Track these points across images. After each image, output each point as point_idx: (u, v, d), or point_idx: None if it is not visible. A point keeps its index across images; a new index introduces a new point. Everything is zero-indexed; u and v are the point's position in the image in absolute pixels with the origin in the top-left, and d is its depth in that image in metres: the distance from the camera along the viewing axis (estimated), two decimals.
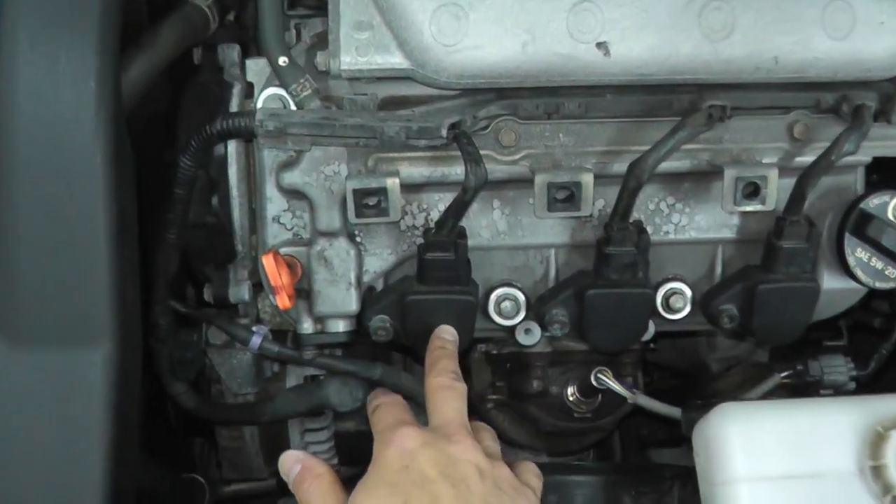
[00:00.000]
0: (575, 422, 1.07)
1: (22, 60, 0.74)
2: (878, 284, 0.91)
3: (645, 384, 1.13)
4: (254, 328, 0.94)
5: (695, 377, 1.21)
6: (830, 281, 0.94)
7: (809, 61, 0.82)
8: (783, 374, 1.06)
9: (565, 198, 0.85)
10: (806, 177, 0.84)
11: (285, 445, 1.05)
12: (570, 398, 1.06)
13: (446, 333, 0.85)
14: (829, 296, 0.95)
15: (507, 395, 1.10)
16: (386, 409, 0.78)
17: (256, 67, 0.90)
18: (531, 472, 0.79)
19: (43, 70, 0.74)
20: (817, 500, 0.76)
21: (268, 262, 0.82)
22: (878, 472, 0.75)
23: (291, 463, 0.76)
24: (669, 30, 0.79)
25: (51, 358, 0.73)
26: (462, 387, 0.79)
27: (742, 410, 0.79)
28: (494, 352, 1.09)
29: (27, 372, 0.73)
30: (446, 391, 0.78)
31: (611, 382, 0.97)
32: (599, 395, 1.06)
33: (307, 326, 0.91)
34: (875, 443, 0.76)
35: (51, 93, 0.74)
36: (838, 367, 1.05)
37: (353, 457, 1.07)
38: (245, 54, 0.93)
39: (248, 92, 0.91)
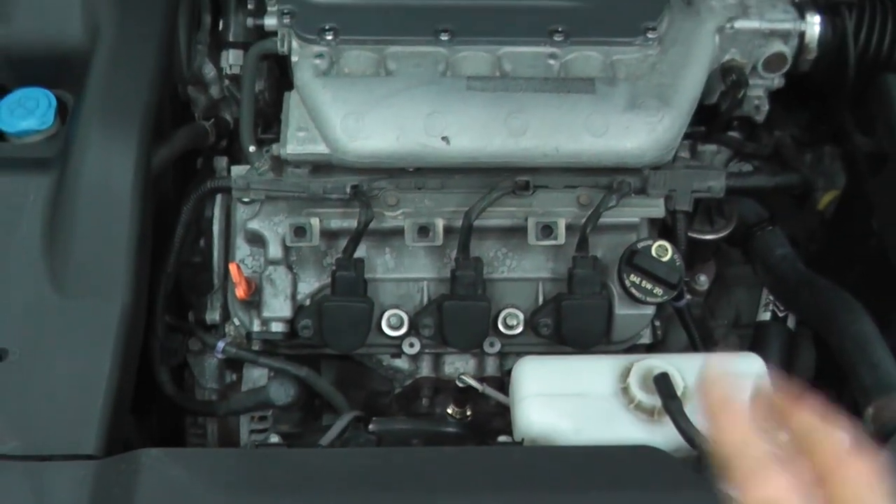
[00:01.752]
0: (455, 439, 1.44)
1: (91, 141, 1.24)
2: (650, 300, 1.31)
3: None
4: (220, 339, 1.36)
5: None
6: (621, 308, 1.35)
7: (579, 151, 1.29)
8: None
9: (425, 234, 1.30)
10: (586, 223, 1.29)
11: (237, 443, 1.42)
12: (449, 412, 1.44)
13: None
14: (625, 319, 1.35)
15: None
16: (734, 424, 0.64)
17: (238, 169, 1.39)
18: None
19: (106, 147, 1.24)
20: (585, 409, 1.11)
21: (233, 267, 1.27)
22: (625, 390, 1.13)
23: None
24: (486, 129, 1.28)
25: (86, 304, 1.15)
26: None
27: (536, 358, 1.18)
28: (398, 390, 1.47)
29: (68, 315, 1.14)
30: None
31: (469, 380, 1.36)
32: (468, 410, 1.43)
33: (256, 326, 1.34)
34: (623, 373, 1.14)
35: (109, 161, 1.23)
36: None
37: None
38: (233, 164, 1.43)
39: None
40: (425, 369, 1.43)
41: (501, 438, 1.15)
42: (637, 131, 1.30)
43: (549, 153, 1.30)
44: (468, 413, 1.44)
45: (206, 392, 1.39)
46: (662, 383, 1.09)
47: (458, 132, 1.28)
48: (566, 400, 1.13)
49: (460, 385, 1.38)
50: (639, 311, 1.35)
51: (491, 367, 1.43)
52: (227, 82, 1.47)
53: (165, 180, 1.35)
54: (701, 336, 1.48)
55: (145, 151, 1.25)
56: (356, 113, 1.28)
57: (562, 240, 1.31)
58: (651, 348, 1.48)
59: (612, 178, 1.33)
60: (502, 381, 1.45)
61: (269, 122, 1.48)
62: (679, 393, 1.10)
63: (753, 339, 1.54)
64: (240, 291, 1.26)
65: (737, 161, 1.58)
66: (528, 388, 1.14)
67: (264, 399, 1.37)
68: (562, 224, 1.31)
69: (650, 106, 1.30)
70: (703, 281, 1.54)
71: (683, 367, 1.15)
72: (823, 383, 1.50)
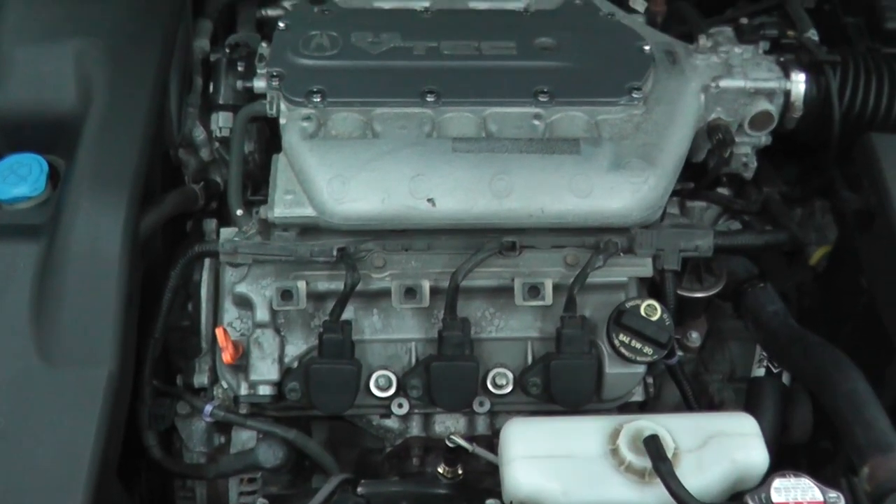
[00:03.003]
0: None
1: (81, 207, 1.25)
2: (640, 359, 1.30)
3: None
4: (208, 403, 1.36)
5: None
6: (612, 367, 1.34)
7: (565, 212, 1.30)
8: None
9: (412, 296, 1.30)
10: (573, 283, 1.29)
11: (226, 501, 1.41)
12: (441, 472, 1.43)
13: None
14: (615, 378, 1.35)
15: (399, 477, 1.46)
16: None
17: (227, 232, 1.40)
18: None
19: (96, 212, 1.24)
20: (572, 471, 1.09)
21: (219, 332, 1.27)
22: (614, 452, 1.11)
23: None
24: (471, 191, 1.29)
25: (71, 373, 1.15)
26: None
27: (523, 420, 1.17)
28: (389, 448, 1.46)
29: (54, 382, 1.14)
30: None
31: (459, 440, 1.35)
32: (459, 469, 1.41)
33: (244, 390, 1.33)
34: (613, 435, 1.12)
35: (99, 226, 1.24)
36: None
37: None
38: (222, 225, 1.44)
39: None
40: (415, 429, 1.42)
41: (490, 502, 1.13)
42: (622, 192, 1.30)
43: (535, 214, 1.30)
44: (459, 472, 1.42)
45: (195, 455, 1.38)
46: (652, 445, 1.08)
47: (444, 194, 1.29)
48: (555, 462, 1.12)
49: (450, 445, 1.36)
50: (629, 369, 1.34)
51: (481, 426, 1.42)
52: (217, 145, 1.48)
53: (154, 244, 1.36)
54: (695, 391, 1.47)
55: (134, 217, 1.26)
56: (342, 176, 1.29)
57: (549, 300, 1.31)
58: (644, 406, 1.47)
59: (599, 237, 1.34)
60: (492, 441, 1.44)
61: (258, 184, 1.49)
62: (669, 454, 1.09)
63: (748, 395, 1.52)
64: (226, 356, 1.26)
65: (726, 218, 1.59)
66: (516, 450, 1.13)
67: (253, 462, 1.36)
68: (549, 285, 1.31)
69: (635, 166, 1.31)
70: (695, 338, 1.54)
71: (674, 428, 1.14)
72: (821, 437, 1.49)
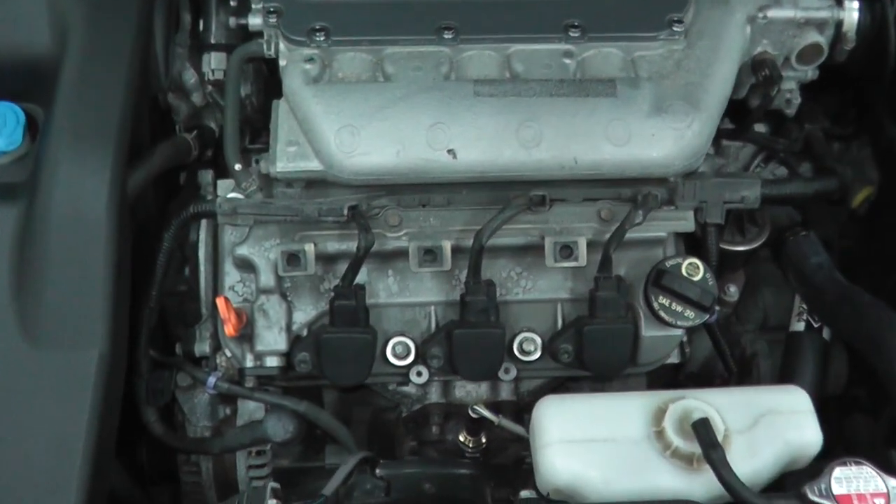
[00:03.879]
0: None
1: (62, 164, 1.12)
2: (680, 323, 1.19)
3: None
4: (211, 373, 1.25)
5: None
6: (648, 330, 1.23)
7: (600, 162, 1.17)
8: None
9: (431, 259, 1.19)
10: (609, 242, 1.18)
11: (234, 479, 1.31)
12: (462, 441, 1.33)
13: None
14: (651, 342, 1.24)
15: (416, 443, 1.37)
16: None
17: (225, 185, 1.27)
18: None
19: (77, 170, 1.11)
20: (614, 456, 1.00)
21: (220, 301, 1.15)
22: (659, 435, 1.01)
23: None
24: (495, 140, 1.16)
25: (59, 356, 1.04)
26: None
27: (558, 398, 1.07)
28: (405, 412, 1.37)
29: (40, 366, 1.04)
30: None
31: (482, 411, 1.25)
32: (483, 437, 1.32)
33: (249, 362, 1.22)
34: (657, 415, 1.02)
35: (81, 185, 1.11)
36: None
37: (289, 490, 1.33)
38: (219, 177, 1.31)
39: None
40: (434, 395, 1.32)
41: (524, 494, 1.04)
42: (663, 139, 1.17)
43: (567, 165, 1.17)
44: (483, 441, 1.33)
45: (199, 429, 1.28)
46: (703, 430, 0.98)
47: (465, 144, 1.16)
48: (594, 446, 1.02)
49: (474, 416, 1.27)
50: (667, 332, 1.23)
51: (505, 391, 1.32)
52: (210, 88, 1.34)
53: (145, 202, 1.23)
54: (727, 342, 1.37)
55: (120, 174, 1.13)
56: (352, 126, 1.16)
57: (583, 261, 1.19)
58: (679, 368, 1.37)
59: (637, 189, 1.21)
60: (518, 406, 1.35)
61: (258, 130, 1.36)
62: (720, 438, 0.99)
63: (787, 351, 1.43)
64: (229, 328, 1.15)
65: (762, 158, 1.46)
66: (551, 434, 1.03)
67: (261, 435, 1.26)
68: (582, 244, 1.19)
69: (677, 110, 1.18)
70: (734, 292, 1.43)
71: (722, 406, 1.03)
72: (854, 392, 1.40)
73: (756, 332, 1.49)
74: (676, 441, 1.00)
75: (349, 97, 1.17)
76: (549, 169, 1.17)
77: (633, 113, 1.17)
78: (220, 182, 1.28)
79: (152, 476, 1.32)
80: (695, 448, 1.00)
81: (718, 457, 0.96)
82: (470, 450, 1.33)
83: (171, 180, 1.34)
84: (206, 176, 1.32)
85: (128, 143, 1.16)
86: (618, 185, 1.22)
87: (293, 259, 1.17)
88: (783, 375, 1.41)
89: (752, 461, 1.01)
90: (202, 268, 1.26)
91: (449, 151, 1.16)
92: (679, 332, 1.24)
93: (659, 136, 1.17)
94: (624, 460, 1.01)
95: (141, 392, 1.21)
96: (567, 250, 1.19)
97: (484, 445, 1.33)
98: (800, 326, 1.42)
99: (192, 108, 1.34)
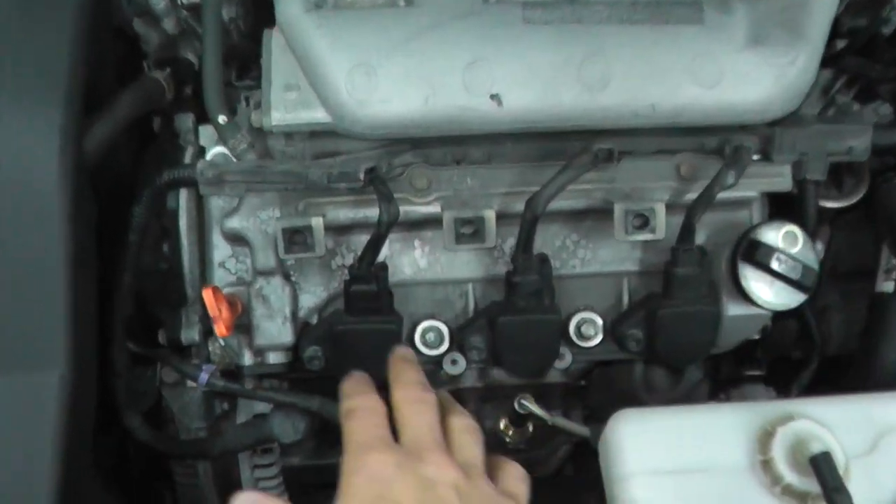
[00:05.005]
0: (509, 454, 1.14)
1: (1, 128, 0.87)
2: (774, 306, 0.98)
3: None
4: (203, 366, 1.03)
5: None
6: (733, 308, 1.01)
7: (683, 108, 0.93)
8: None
9: (471, 232, 0.95)
10: (692, 209, 0.94)
11: (236, 481, 1.12)
12: (503, 429, 1.13)
13: (405, 350, 0.83)
14: (734, 322, 1.02)
15: None
16: (362, 419, 0.72)
17: (208, 133, 1.02)
18: (515, 477, 0.76)
19: (18, 129, 0.87)
20: (710, 491, 0.81)
21: (207, 295, 0.92)
22: (766, 465, 0.81)
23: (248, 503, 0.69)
24: (552, 82, 0.91)
25: (5, 381, 0.82)
26: (432, 397, 0.75)
27: (637, 414, 0.86)
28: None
29: None
30: (415, 403, 0.74)
31: (531, 406, 1.04)
32: (530, 426, 1.13)
33: (248, 359, 1.01)
34: (763, 439, 0.83)
35: (23, 148, 0.86)
36: (759, 397, 1.13)
37: (299, 490, 1.14)
38: (201, 122, 1.05)
39: (200, 153, 1.03)
40: (469, 378, 1.11)
41: None
42: (762, 77, 0.92)
43: (642, 112, 0.92)
44: (530, 429, 1.13)
45: (192, 432, 1.07)
46: (824, 467, 0.78)
47: (513, 87, 0.91)
48: (685, 479, 0.82)
49: (521, 411, 1.06)
50: (754, 311, 1.01)
51: (555, 375, 1.11)
52: (184, 13, 1.06)
53: (114, 159, 0.98)
54: None
55: (75, 132, 0.88)
56: (367, 65, 0.90)
57: (661, 233, 0.96)
58: (757, 344, 1.16)
59: (724, 138, 0.96)
60: (566, 387, 1.14)
61: (247, 61, 1.09)
62: (840, 471, 0.79)
63: (871, 312, 1.20)
64: (220, 327, 0.92)
65: (842, 83, 1.20)
66: (632, 462, 0.83)
67: (267, 435, 1.06)
68: (661, 212, 0.95)
69: (778, 40, 0.92)
70: (820, 250, 1.20)
71: (836, 425, 0.83)
72: None
73: (826, 279, 1.27)
74: (788, 476, 0.80)
75: (362, 27, 0.91)
76: (619, 117, 0.92)
77: (725, 45, 0.92)
78: (202, 129, 1.04)
79: (149, 476, 1.13)
80: (811, 486, 0.80)
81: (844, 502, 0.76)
82: (512, 440, 1.13)
83: (144, 126, 1.08)
84: (186, 121, 1.06)
85: (82, 88, 0.90)
86: (701, 134, 0.97)
87: (297, 237, 0.94)
88: (868, 341, 1.20)
89: (873, 494, 0.82)
90: (184, 241, 1.03)
91: (492, 97, 0.91)
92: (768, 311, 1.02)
93: (756, 75, 0.92)
94: (722, 497, 0.81)
95: (119, 395, 0.99)
96: (641, 219, 0.95)
97: (530, 434, 1.13)
98: (889, 287, 1.20)
99: (164, 36, 1.07)
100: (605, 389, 1.28)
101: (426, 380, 0.78)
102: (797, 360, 1.19)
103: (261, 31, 0.98)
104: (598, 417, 1.27)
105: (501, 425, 1.14)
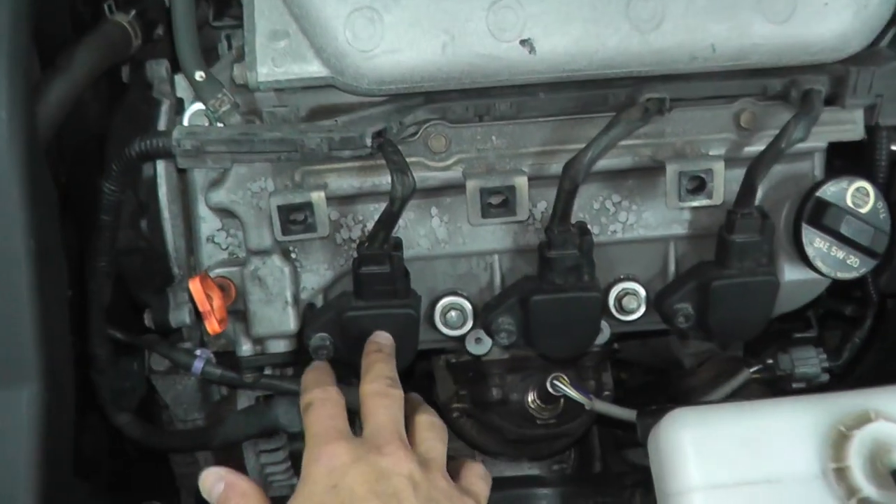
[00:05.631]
0: (538, 429, 1.04)
1: None
2: (840, 275, 0.87)
3: (617, 383, 1.10)
4: (196, 352, 0.91)
5: (667, 373, 1.18)
6: (791, 273, 0.90)
7: (749, 48, 0.78)
8: (753, 369, 1.03)
9: (500, 203, 0.82)
10: (755, 168, 0.80)
11: (241, 468, 1.02)
12: (532, 405, 1.03)
13: (381, 338, 0.81)
14: (792, 288, 0.91)
15: (470, 404, 1.06)
16: (319, 411, 0.73)
17: (186, 83, 0.87)
18: (476, 475, 0.76)
19: None
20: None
21: (194, 286, 0.79)
22: (841, 474, 0.72)
23: (213, 481, 0.71)
24: (595, 23, 0.76)
25: None
26: (398, 393, 0.75)
27: (695, 415, 0.75)
28: (454, 360, 1.05)
29: None
30: (380, 398, 0.74)
31: (567, 389, 0.93)
32: (561, 400, 1.02)
33: (246, 349, 0.89)
34: (837, 444, 0.72)
35: None
36: (809, 359, 1.02)
37: None
38: (177, 69, 0.90)
39: (179, 108, 0.88)
40: (495, 351, 0.99)
41: None
42: (840, 8, 0.78)
43: (701, 55, 0.78)
44: (561, 404, 1.03)
45: (188, 423, 0.96)
46: None
47: (548, 30, 0.76)
48: (749, 493, 0.72)
49: (554, 393, 0.95)
50: (813, 276, 0.89)
51: None
52: None
53: (77, 121, 0.83)
54: None
55: (22, 95, 0.73)
56: (370, 7, 0.75)
57: (719, 198, 0.82)
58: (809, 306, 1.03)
59: (791, 80, 0.82)
60: (603, 355, 1.04)
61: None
62: None
63: None
64: (212, 323, 0.80)
65: None
66: (690, 476, 0.72)
67: (271, 423, 0.95)
68: (719, 172, 0.82)
69: None
70: None
71: None
72: None
73: None
74: (867, 488, 0.71)
75: None
76: (674, 62, 0.78)
77: None
78: (178, 78, 0.88)
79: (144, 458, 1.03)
80: (891, 500, 0.69)
81: None
82: (542, 418, 1.03)
83: (112, 73, 0.93)
84: (159, 69, 0.91)
85: (30, 45, 0.75)
86: (764, 76, 0.82)
87: (296, 215, 0.80)
88: None
89: None
90: (165, 214, 0.89)
91: (523, 42, 0.76)
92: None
93: (834, 5, 0.77)
94: None
95: (104, 393, 0.88)
96: (697, 181, 0.82)
97: (560, 410, 1.03)
98: None
99: None
100: (637, 344, 1.17)
101: (396, 374, 0.77)
102: (851, 318, 1.08)
103: None
104: (640, 389, 1.17)
105: (529, 399, 1.04)
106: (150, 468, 1.12)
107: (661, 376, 1.20)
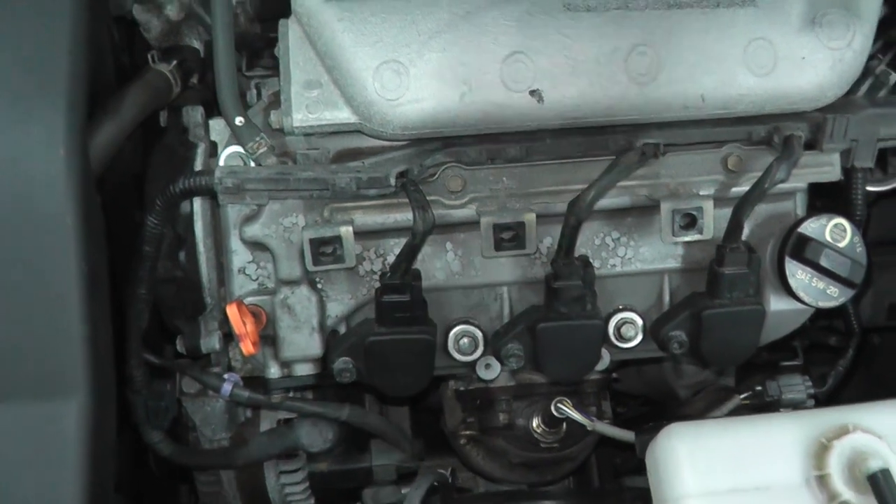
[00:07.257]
0: (542, 452, 1.11)
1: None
2: (822, 304, 0.94)
3: (616, 413, 1.17)
4: (225, 376, 0.98)
5: (663, 404, 1.25)
6: (777, 303, 0.98)
7: (736, 98, 0.87)
8: (743, 396, 1.10)
9: (511, 238, 0.89)
10: (741, 206, 0.89)
11: (262, 488, 1.08)
12: (536, 429, 1.10)
13: None
14: (777, 317, 0.99)
15: (478, 431, 1.13)
16: None
17: (219, 127, 0.95)
18: None
19: (15, 139, 0.79)
20: None
21: (231, 311, 0.87)
22: (823, 481, 0.78)
23: None
24: (598, 75, 0.84)
25: (26, 411, 0.77)
26: None
27: (689, 429, 0.82)
28: (462, 388, 1.12)
29: (8, 428, 0.77)
30: None
31: (570, 411, 1.00)
32: (564, 425, 1.09)
33: (274, 371, 0.95)
34: (819, 454, 0.79)
35: (23, 160, 0.79)
36: (796, 386, 1.09)
37: (326, 496, 1.11)
38: (210, 114, 0.98)
39: (212, 151, 0.96)
40: (502, 378, 1.07)
41: None
42: (817, 63, 0.87)
43: (692, 104, 0.87)
44: (563, 428, 1.10)
45: (214, 443, 1.03)
46: (884, 486, 0.75)
47: (555, 82, 0.85)
48: (741, 498, 0.78)
49: (558, 416, 1.02)
50: (798, 306, 0.97)
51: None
52: None
53: (119, 164, 0.91)
54: None
55: (79, 141, 0.81)
56: (396, 61, 0.83)
57: (709, 233, 0.90)
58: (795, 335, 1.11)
59: (774, 127, 0.90)
60: (599, 382, 1.11)
61: (257, 49, 1.01)
62: None
63: None
64: (247, 345, 0.87)
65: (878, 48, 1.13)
66: (686, 483, 0.79)
67: (293, 444, 1.02)
68: (709, 210, 0.90)
69: (834, 21, 0.87)
70: None
71: (892, 433, 0.80)
72: None
73: None
74: (846, 493, 0.78)
75: (389, 19, 0.83)
76: (668, 111, 0.87)
77: (780, 28, 0.86)
78: (212, 123, 0.96)
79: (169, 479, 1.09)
80: (870, 502, 0.76)
81: None
82: (546, 442, 1.10)
83: (150, 120, 1.01)
84: (195, 115, 0.99)
85: (85, 88, 0.83)
86: (749, 123, 0.91)
87: (325, 248, 0.88)
88: None
89: None
90: (201, 247, 0.96)
91: (532, 93, 0.84)
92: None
93: (811, 60, 0.86)
94: None
95: (139, 412, 0.94)
96: (688, 219, 0.90)
97: (563, 434, 1.09)
98: None
99: (167, 24, 0.99)
100: (634, 377, 1.25)
101: None
102: (835, 347, 1.16)
103: (267, 10, 0.90)
104: (637, 419, 1.24)
105: (534, 424, 1.10)
106: (171, 488, 1.17)
107: (657, 407, 1.28)
